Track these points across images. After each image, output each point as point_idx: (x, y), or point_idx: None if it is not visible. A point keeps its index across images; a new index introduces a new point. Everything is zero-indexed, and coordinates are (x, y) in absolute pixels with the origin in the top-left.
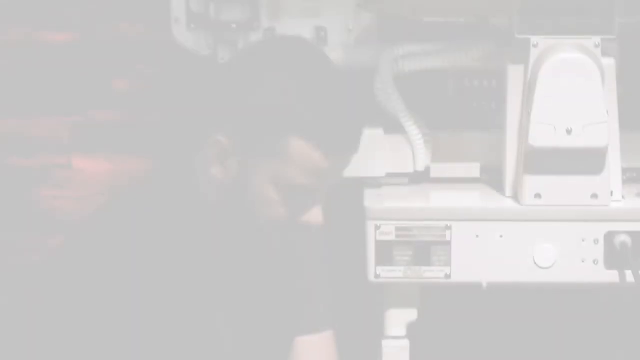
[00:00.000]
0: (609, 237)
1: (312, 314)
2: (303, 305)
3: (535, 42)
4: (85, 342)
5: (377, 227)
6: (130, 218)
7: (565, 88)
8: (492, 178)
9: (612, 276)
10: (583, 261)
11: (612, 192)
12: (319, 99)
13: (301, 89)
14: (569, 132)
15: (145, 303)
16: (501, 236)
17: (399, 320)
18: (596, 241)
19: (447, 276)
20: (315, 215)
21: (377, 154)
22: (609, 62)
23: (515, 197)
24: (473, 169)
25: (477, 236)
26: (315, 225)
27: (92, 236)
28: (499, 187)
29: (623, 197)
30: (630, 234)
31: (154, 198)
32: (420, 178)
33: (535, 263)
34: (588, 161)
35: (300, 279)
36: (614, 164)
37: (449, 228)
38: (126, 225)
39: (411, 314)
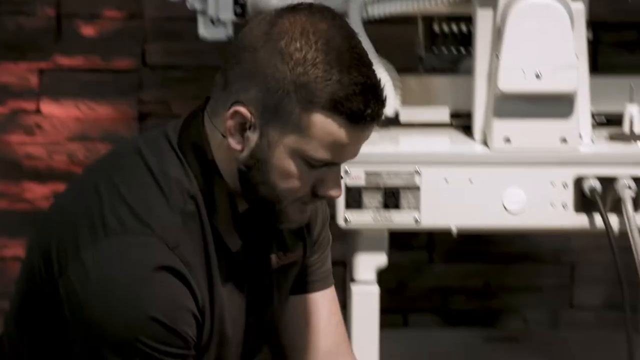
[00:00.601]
0: (578, 181)
1: (325, 270)
2: (320, 263)
3: None
4: None
5: (346, 172)
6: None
7: (534, 32)
8: (462, 123)
9: (581, 221)
10: (552, 205)
11: (581, 136)
12: (345, 74)
13: (326, 62)
14: (538, 76)
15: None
16: (470, 181)
17: (368, 264)
18: (565, 185)
19: (417, 221)
20: (334, 189)
21: None
22: (578, 7)
23: (485, 141)
24: (442, 114)
25: (447, 181)
26: (335, 198)
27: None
28: (468, 132)
29: (592, 141)
30: (599, 178)
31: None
32: (389, 123)
33: (504, 207)
34: (557, 105)
35: (312, 237)
36: (583, 108)
37: (418, 173)
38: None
39: (380, 259)
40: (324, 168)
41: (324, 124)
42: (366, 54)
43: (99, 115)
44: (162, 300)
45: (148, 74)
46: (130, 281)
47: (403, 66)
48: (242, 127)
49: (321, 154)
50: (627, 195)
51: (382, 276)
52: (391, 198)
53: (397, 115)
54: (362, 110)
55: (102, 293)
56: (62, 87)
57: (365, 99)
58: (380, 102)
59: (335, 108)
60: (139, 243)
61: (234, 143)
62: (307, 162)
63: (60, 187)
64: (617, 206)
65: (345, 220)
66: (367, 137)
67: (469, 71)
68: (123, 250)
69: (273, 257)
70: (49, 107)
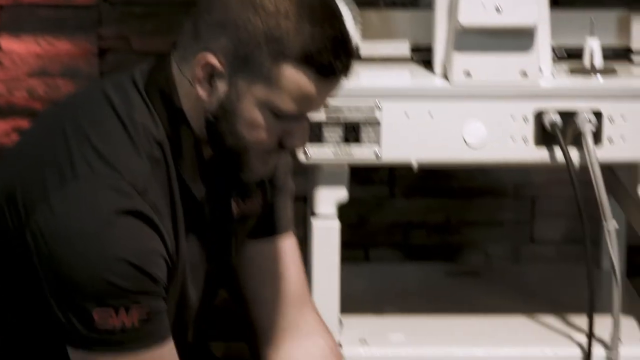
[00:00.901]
0: (539, 115)
1: (289, 218)
2: (283, 209)
3: None
4: None
5: None
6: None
7: None
8: (422, 57)
9: (542, 155)
10: (513, 139)
11: (541, 70)
12: (317, 27)
13: (299, 15)
14: (498, 10)
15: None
16: (431, 115)
17: (328, 199)
18: (525, 119)
19: (377, 155)
20: (300, 140)
21: None
22: None
23: (445, 75)
24: (402, 48)
25: (407, 115)
26: (300, 149)
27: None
28: (429, 66)
29: (553, 75)
30: (560, 111)
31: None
32: None
33: (465, 141)
34: (517, 39)
35: (276, 186)
36: (544, 41)
37: (378, 107)
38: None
39: (341, 193)
40: (290, 120)
41: (294, 77)
42: (338, 7)
43: (59, 51)
44: (131, 243)
45: (107, 10)
46: (99, 224)
47: (363, 0)
48: (211, 76)
49: (289, 105)
50: (588, 129)
51: (343, 211)
52: (352, 132)
53: (357, 50)
54: (333, 64)
55: (70, 237)
56: (22, 23)
57: (336, 53)
58: (351, 56)
59: (306, 61)
60: (108, 187)
61: (202, 91)
62: (274, 114)
63: (21, 122)
64: (577, 140)
65: (306, 154)
66: (335, 91)
67: (430, 5)
68: (92, 194)
69: (233, 204)
70: (8, 43)
